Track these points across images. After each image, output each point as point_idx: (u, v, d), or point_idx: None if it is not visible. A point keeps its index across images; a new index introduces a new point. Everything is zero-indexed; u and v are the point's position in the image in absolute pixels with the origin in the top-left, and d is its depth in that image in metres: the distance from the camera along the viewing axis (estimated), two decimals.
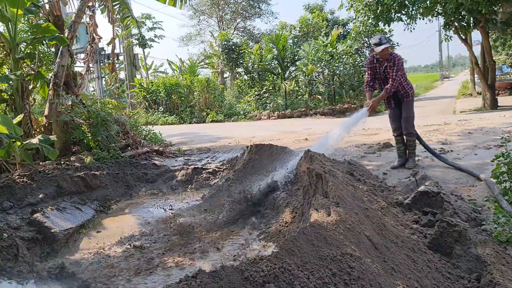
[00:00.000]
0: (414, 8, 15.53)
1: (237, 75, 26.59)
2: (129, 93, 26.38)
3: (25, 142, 6.92)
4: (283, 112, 21.10)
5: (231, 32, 29.60)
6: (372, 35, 21.10)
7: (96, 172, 6.45)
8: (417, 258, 3.11)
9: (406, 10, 15.89)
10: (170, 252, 4.35)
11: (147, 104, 24.37)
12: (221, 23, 38.08)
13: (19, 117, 7.54)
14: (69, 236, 4.89)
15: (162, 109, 23.90)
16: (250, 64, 23.94)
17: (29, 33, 10.63)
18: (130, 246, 4.54)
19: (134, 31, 26.40)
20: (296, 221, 4.35)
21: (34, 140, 6.96)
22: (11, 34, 7.83)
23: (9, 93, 8.17)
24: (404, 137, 6.61)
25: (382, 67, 6.28)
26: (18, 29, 8.39)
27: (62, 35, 8.07)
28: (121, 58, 27.79)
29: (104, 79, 27.63)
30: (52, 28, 7.85)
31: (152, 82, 25.34)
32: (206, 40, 39.23)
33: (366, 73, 6.55)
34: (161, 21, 48.86)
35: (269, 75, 24.10)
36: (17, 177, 5.54)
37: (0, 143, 7.57)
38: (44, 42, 8.75)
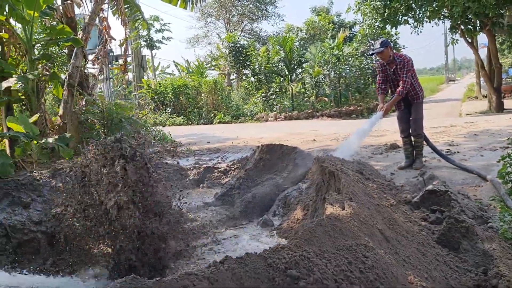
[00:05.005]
0: (421, 12, 15.67)
1: (243, 77, 26.76)
2: (136, 94, 26.62)
3: (41, 141, 7.10)
4: (289, 113, 21.26)
5: (238, 34, 29.78)
6: (379, 38, 21.24)
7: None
8: (426, 252, 3.25)
9: (413, 13, 16.03)
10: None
11: (154, 105, 24.59)
12: (228, 25, 38.29)
13: (35, 117, 7.72)
14: None
15: (170, 110, 24.11)
16: (257, 66, 24.12)
17: (42, 35, 10.83)
18: None
19: (142, 32, 26.67)
20: (308, 218, 4.51)
21: (50, 139, 7.14)
22: (27, 36, 8.01)
23: (24, 92, 8.34)
24: (412, 138, 6.75)
25: (392, 69, 6.43)
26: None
27: (77, 37, 8.27)
28: (129, 59, 28.06)
29: (111, 80, 27.91)
30: (67, 29, 8.03)
31: (160, 83, 25.56)
32: (213, 42, 39.48)
33: (378, 76, 6.69)
34: (169, 23, 49.09)
35: (276, 77, 24.27)
36: (37, 174, 5.72)
37: (16, 142, 7.77)
38: (58, 43, 8.92)
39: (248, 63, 24.70)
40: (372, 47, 22.39)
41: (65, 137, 7.36)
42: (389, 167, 7.06)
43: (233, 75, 29.18)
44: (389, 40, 6.90)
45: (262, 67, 23.88)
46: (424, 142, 6.82)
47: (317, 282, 2.21)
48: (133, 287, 1.83)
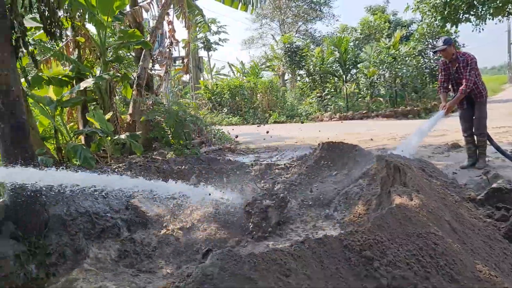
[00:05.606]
0: (483, 9, 15.18)
1: (298, 77, 26.92)
2: (193, 94, 27.43)
3: (115, 137, 7.65)
4: (344, 114, 21.20)
5: (293, 35, 29.95)
6: (438, 36, 20.74)
7: (180, 167, 7.03)
8: (494, 245, 3.33)
9: (474, 10, 15.56)
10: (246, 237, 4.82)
11: (211, 105, 25.25)
12: (282, 26, 38.59)
13: (108, 115, 8.31)
14: (161, 218, 5.48)
15: (226, 110, 24.68)
16: (311, 67, 24.20)
17: (111, 39, 11.54)
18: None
19: (200, 34, 27.47)
20: (371, 212, 4.64)
21: (123, 136, 7.69)
22: (101, 39, 8.62)
23: (96, 92, 8.98)
24: (475, 137, 6.68)
25: (454, 68, 6.41)
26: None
27: (146, 40, 8.81)
28: (186, 61, 28.96)
29: (169, 81, 28.91)
30: (138, 33, 8.57)
31: (216, 84, 26.23)
32: (267, 43, 39.91)
33: (440, 74, 6.69)
34: (226, 25, 50.22)
35: (331, 78, 24.26)
36: (115, 167, 6.22)
37: (91, 138, 8.39)
38: (129, 46, 9.50)
39: (303, 63, 24.83)
40: (430, 46, 21.89)
41: (136, 134, 7.87)
42: (450, 166, 7.02)
43: (287, 75, 29.40)
44: (452, 38, 6.87)
45: (317, 68, 23.94)
46: (488, 142, 6.74)
47: (390, 264, 2.39)
48: (229, 258, 2.09)
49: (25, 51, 4.43)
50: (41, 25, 7.81)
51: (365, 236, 2.53)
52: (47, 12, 4.41)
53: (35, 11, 6.00)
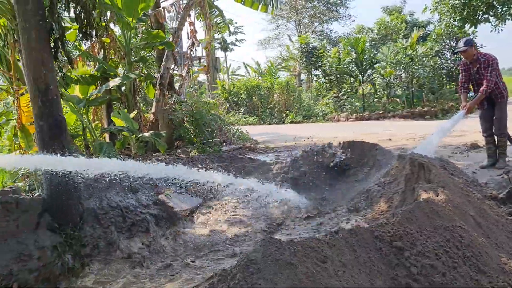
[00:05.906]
0: (503, 9, 15.10)
1: (314, 78, 26.98)
2: (210, 94, 27.70)
3: (139, 136, 7.86)
4: (361, 114, 21.22)
5: (309, 35, 30.01)
6: (455, 37, 20.64)
7: (204, 164, 7.22)
8: None
9: (494, 11, 15.46)
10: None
11: (228, 105, 25.46)
12: (299, 27, 38.65)
13: (133, 113, 8.52)
14: (187, 214, 5.69)
15: (243, 110, 24.89)
16: (327, 67, 24.25)
17: (135, 39, 11.78)
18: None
19: (218, 35, 27.69)
20: (393, 209, 4.76)
21: (147, 134, 7.89)
22: (126, 40, 8.84)
23: (120, 92, 9.19)
24: (495, 137, 6.72)
25: (475, 68, 6.47)
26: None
27: (170, 41, 9.01)
28: (202, 60, 29.22)
29: (186, 81, 29.20)
30: (162, 34, 8.78)
31: (234, 84, 26.44)
32: (283, 43, 39.98)
33: (460, 75, 6.75)
34: (242, 26, 50.51)
35: (347, 78, 24.28)
36: None
37: (115, 136, 8.62)
38: (152, 47, 9.71)
39: (319, 64, 24.89)
40: (447, 46, 21.78)
41: (159, 133, 8.07)
42: (470, 166, 7.07)
43: (303, 75, 29.47)
44: (472, 39, 6.93)
45: (333, 68, 23.98)
46: (508, 142, 6.78)
47: (420, 254, 2.53)
48: (271, 244, 2.25)
49: (62, 51, 4.63)
50: (69, 26, 8.12)
51: (395, 228, 2.66)
52: (83, 14, 4.61)
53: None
